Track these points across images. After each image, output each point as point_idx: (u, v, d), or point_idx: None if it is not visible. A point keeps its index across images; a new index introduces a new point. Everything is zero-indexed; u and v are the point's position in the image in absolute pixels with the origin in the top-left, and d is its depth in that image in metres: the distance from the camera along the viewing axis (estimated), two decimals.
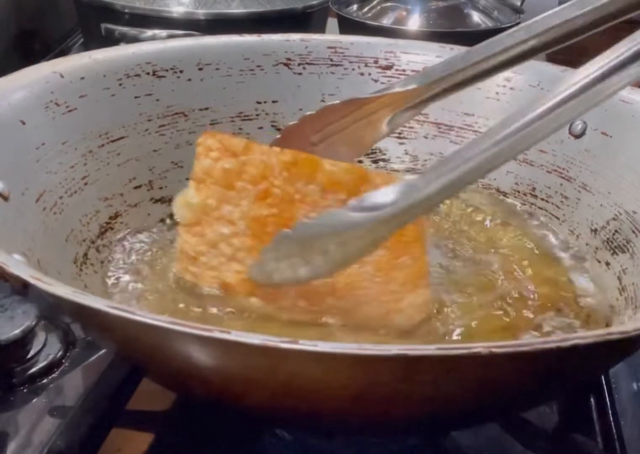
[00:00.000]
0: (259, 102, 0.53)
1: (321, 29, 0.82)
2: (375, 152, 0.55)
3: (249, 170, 0.40)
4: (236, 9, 0.77)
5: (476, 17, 0.84)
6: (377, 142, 0.46)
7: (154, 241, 0.46)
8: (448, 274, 0.44)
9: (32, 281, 0.28)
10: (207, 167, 0.40)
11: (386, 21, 0.83)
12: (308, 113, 0.45)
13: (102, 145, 0.46)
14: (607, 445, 0.40)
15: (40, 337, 0.43)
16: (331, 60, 0.54)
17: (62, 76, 0.44)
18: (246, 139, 0.41)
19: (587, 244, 0.46)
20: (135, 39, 0.69)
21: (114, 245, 0.45)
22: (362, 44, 0.55)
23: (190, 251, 0.40)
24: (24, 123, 0.41)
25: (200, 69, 0.51)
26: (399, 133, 0.54)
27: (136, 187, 0.48)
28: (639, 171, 0.45)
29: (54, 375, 0.42)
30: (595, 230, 0.46)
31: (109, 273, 0.43)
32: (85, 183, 0.44)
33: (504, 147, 0.32)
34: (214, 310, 0.40)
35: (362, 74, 0.55)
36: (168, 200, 0.49)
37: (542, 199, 0.50)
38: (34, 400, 0.40)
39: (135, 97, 0.48)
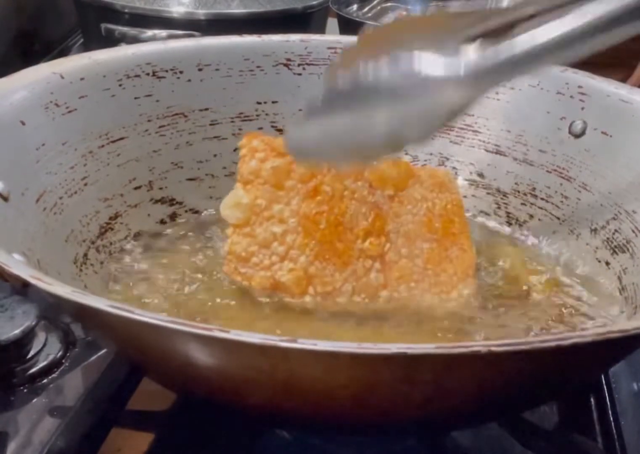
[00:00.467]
0: (258, 103, 0.53)
1: (321, 29, 0.82)
2: None
3: (297, 169, 0.40)
4: (236, 9, 0.77)
5: None
6: None
7: (154, 241, 0.46)
8: None
9: (32, 281, 0.28)
10: (254, 167, 0.40)
11: (386, 21, 0.83)
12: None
13: (102, 146, 0.46)
14: (607, 445, 0.40)
15: (40, 337, 0.43)
16: (331, 60, 0.54)
17: (62, 77, 0.44)
18: None
19: (587, 244, 0.46)
20: (135, 39, 0.69)
21: (114, 245, 0.45)
22: None
23: (241, 252, 0.40)
24: (24, 123, 0.41)
25: (200, 70, 0.51)
26: None
27: (136, 188, 0.48)
28: (639, 171, 0.45)
29: (54, 375, 0.42)
30: (595, 230, 0.46)
31: (109, 273, 0.43)
32: (85, 184, 0.44)
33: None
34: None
35: None
36: (168, 201, 0.49)
37: (542, 199, 0.50)
38: (34, 400, 0.40)
39: (135, 98, 0.48)
